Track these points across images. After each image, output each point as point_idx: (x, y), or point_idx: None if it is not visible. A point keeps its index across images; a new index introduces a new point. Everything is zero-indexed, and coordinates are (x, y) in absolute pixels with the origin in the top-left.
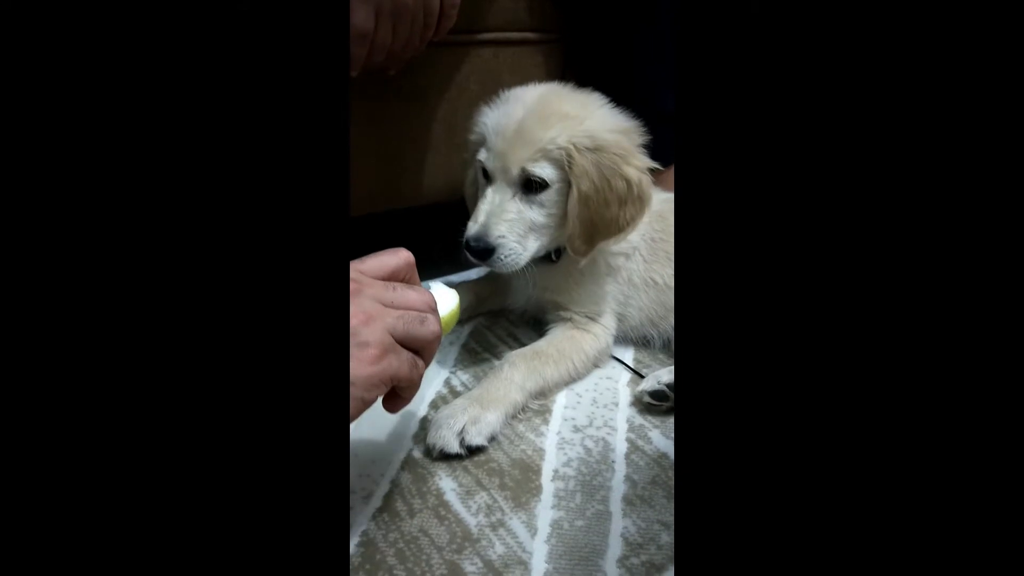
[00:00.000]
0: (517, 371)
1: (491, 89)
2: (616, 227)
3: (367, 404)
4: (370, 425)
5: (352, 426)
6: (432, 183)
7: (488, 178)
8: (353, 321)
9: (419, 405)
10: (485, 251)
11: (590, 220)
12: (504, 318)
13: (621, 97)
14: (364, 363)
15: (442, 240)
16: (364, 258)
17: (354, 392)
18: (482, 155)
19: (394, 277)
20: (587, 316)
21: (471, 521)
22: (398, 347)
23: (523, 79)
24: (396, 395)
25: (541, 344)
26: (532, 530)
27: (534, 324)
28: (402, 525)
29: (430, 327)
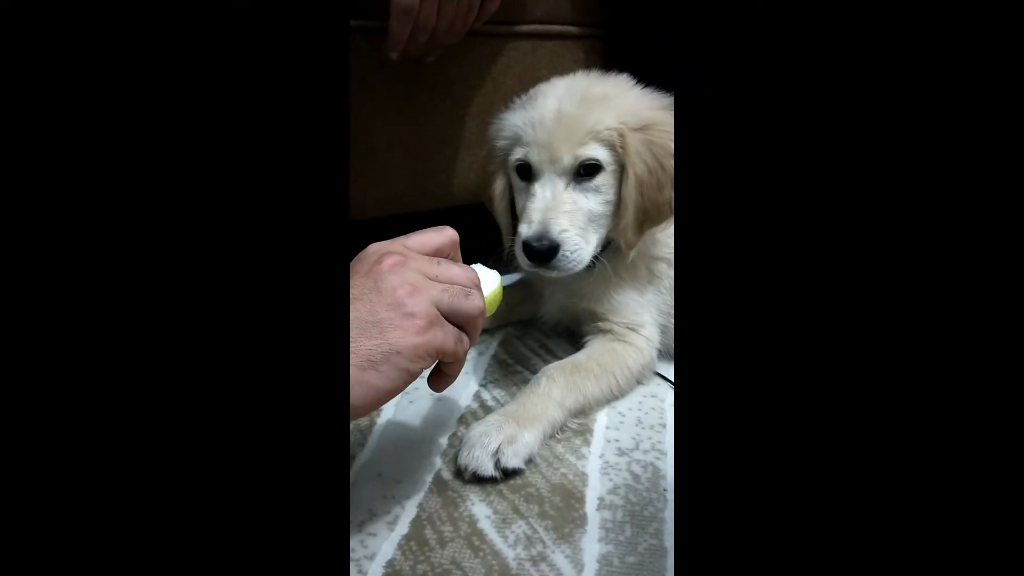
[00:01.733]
0: (556, 386)
1: (528, 84)
2: (668, 210)
3: (412, 376)
4: (394, 441)
5: (374, 442)
6: (463, 183)
7: (529, 177)
8: (399, 292)
9: (447, 420)
10: (550, 250)
11: (642, 206)
12: (535, 328)
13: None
14: (410, 333)
15: (473, 245)
16: (409, 234)
17: (399, 362)
18: (518, 153)
19: (438, 254)
20: (627, 327)
21: (509, 554)
22: (443, 320)
23: (562, 74)
24: (441, 372)
25: (580, 357)
26: (578, 566)
27: (567, 335)
28: (432, 556)
29: (475, 302)
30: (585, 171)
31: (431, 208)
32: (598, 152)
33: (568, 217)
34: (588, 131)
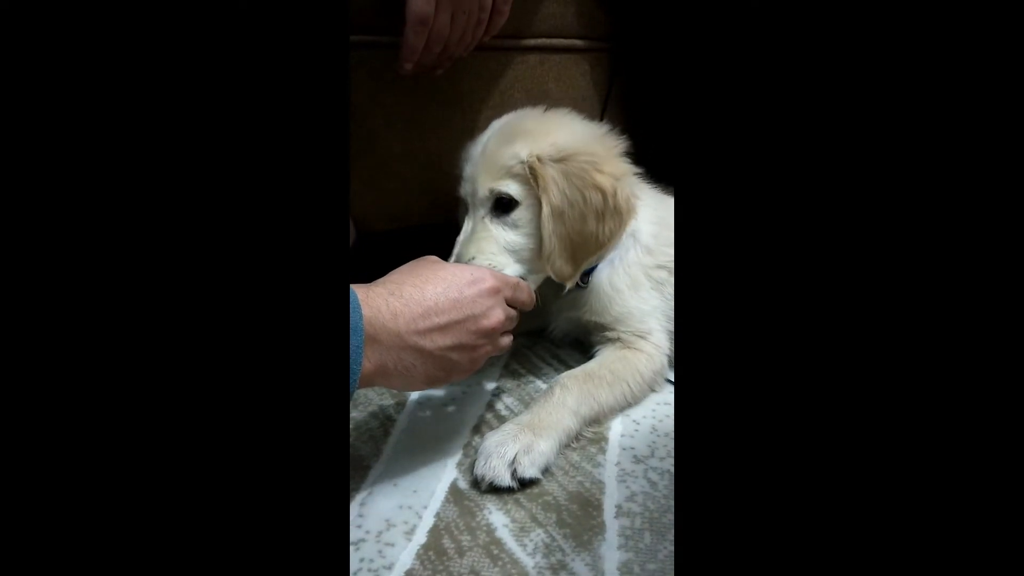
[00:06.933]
0: (570, 395)
1: (536, 97)
2: (596, 244)
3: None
4: (409, 451)
5: (389, 452)
6: None
7: (466, 210)
8: (478, 354)
9: (461, 429)
10: None
11: (568, 237)
12: (545, 339)
13: (670, 112)
14: (464, 374)
15: None
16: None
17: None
18: (460, 188)
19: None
20: (636, 334)
21: (528, 562)
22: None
23: (569, 87)
24: None
25: (593, 365)
26: (598, 574)
27: (577, 345)
28: (450, 565)
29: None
30: (502, 206)
31: (440, 220)
32: (510, 188)
33: (476, 244)
34: (502, 166)
